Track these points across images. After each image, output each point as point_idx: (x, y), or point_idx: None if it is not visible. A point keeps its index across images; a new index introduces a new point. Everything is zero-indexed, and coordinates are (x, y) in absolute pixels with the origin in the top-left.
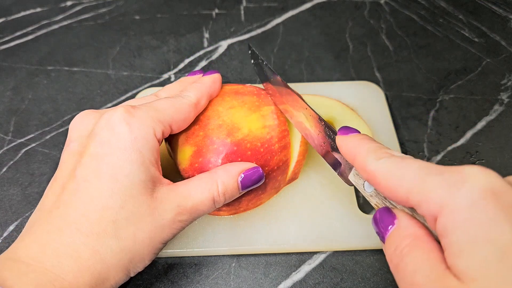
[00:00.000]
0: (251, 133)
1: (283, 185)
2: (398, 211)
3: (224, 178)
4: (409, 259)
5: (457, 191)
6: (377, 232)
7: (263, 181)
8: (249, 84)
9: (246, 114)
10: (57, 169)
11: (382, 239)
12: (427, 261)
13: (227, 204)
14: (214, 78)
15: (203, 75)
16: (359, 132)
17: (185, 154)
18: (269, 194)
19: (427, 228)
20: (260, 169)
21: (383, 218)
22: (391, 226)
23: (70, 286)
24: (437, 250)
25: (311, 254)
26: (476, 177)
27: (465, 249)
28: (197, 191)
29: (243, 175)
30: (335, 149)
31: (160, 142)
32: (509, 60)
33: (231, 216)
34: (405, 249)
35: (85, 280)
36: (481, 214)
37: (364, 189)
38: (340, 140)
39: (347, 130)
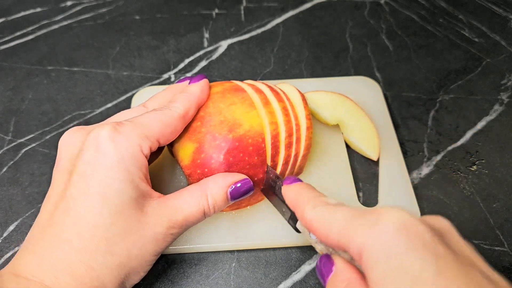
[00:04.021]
0: (252, 128)
1: None
2: (336, 257)
3: (214, 190)
4: None
5: (374, 229)
6: (319, 277)
7: (253, 192)
8: (261, 81)
9: (247, 110)
10: (50, 186)
11: (324, 284)
12: None
13: None
14: (202, 87)
15: (190, 82)
16: (301, 181)
17: (187, 151)
18: None
19: (361, 272)
20: (250, 180)
21: (324, 265)
22: (330, 272)
23: None
24: None
25: (311, 254)
26: (390, 215)
27: (384, 282)
28: (188, 204)
29: (233, 186)
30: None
31: (148, 157)
32: (509, 60)
33: (233, 212)
34: None
35: None
36: (395, 248)
37: (310, 236)
38: (284, 190)
39: (290, 179)
